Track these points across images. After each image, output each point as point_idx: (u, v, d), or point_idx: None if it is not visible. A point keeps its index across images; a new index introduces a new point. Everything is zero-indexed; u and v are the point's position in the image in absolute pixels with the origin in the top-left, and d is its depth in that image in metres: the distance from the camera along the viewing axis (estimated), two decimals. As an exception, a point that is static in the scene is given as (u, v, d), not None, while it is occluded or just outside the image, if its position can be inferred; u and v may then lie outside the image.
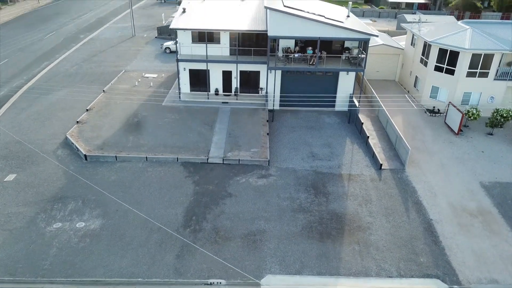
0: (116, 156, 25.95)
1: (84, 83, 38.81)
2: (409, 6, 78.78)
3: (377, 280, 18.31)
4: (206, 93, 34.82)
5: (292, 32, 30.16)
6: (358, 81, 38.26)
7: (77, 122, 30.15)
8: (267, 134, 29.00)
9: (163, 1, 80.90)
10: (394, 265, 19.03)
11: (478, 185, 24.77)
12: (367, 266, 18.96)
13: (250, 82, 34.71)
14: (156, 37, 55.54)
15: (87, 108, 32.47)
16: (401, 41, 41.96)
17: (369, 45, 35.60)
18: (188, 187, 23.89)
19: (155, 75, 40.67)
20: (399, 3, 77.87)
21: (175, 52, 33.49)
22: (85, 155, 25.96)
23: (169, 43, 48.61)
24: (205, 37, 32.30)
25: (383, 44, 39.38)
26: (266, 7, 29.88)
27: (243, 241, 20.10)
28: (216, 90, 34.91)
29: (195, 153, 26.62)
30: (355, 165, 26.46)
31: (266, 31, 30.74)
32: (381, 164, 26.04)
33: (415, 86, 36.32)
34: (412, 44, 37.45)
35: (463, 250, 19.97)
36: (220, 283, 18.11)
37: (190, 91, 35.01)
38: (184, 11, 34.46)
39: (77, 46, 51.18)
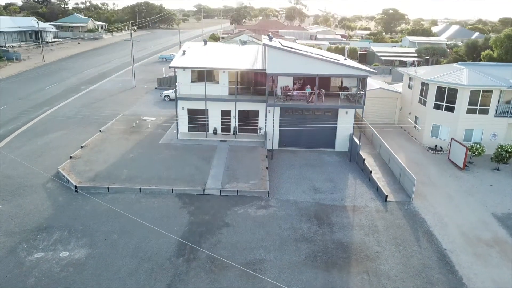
0: (108, 187, 24.73)
1: (81, 126, 38.42)
2: (402, 64, 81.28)
3: (391, 311, 16.40)
4: (205, 133, 34.31)
5: (290, 69, 30.37)
6: (358, 123, 38.00)
7: (71, 157, 29.23)
8: (266, 168, 28.02)
9: (164, 59, 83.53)
10: (409, 295, 17.19)
11: (490, 216, 23.38)
12: (378, 296, 17.11)
13: (249, 121, 34.37)
14: (156, 88, 56.34)
15: (82, 145, 31.72)
16: (398, 88, 42.45)
17: (368, 89, 35.91)
18: (183, 217, 22.43)
19: (153, 118, 40.46)
20: (392, 61, 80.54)
21: (174, 99, 33.47)
22: (75, 187, 24.73)
23: (169, 92, 49.11)
24: (204, 76, 32.47)
25: (380, 88, 39.75)
26: (265, 44, 30.35)
27: (241, 270, 18.33)
28: (215, 130, 34.44)
29: (191, 184, 25.44)
30: (359, 198, 25.20)
31: (265, 69, 30.99)
32: (387, 196, 24.81)
33: (415, 126, 36.01)
34: (409, 86, 37.77)
35: (483, 280, 18.19)
36: (216, 314, 16.15)
37: (188, 130, 34.53)
38: (184, 53, 35.05)
39: (77, 95, 51.65)
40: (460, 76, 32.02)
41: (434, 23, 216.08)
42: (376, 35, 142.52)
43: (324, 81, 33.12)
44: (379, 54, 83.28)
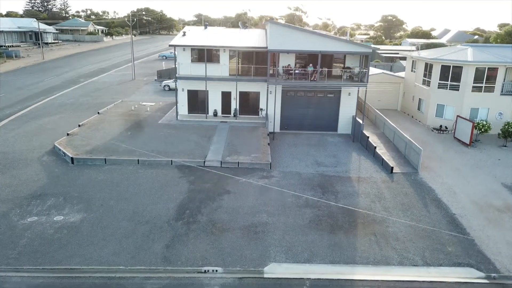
0: (105, 159, 24.01)
1: (79, 110, 37.79)
2: (403, 59, 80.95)
3: (401, 269, 15.57)
4: (205, 115, 33.65)
5: (292, 46, 29.82)
6: (360, 108, 37.38)
7: (68, 134, 28.54)
8: (268, 144, 27.33)
9: (164, 57, 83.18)
10: (419, 254, 16.36)
11: (500, 185, 22.64)
12: (387, 255, 16.28)
13: (249, 103, 33.75)
14: (155, 80, 55.84)
15: (79, 124, 31.05)
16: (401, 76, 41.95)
17: (370, 74, 35.32)
18: (182, 185, 21.68)
19: (152, 103, 39.84)
20: (393, 57, 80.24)
21: (174, 89, 32.94)
22: (71, 158, 24.01)
23: (169, 81, 48.59)
24: (204, 56, 31.90)
25: (383, 72, 39.22)
26: (266, 20, 29.83)
27: (243, 232, 17.54)
28: (215, 112, 33.80)
29: (191, 157, 24.72)
30: (364, 170, 24.47)
31: (266, 47, 30.45)
32: (392, 168, 24.09)
33: (419, 109, 35.39)
34: (413, 70, 37.23)
35: (496, 241, 17.38)
36: (216, 271, 15.31)
37: (188, 112, 33.88)
38: (184, 34, 34.55)
39: (76, 86, 51.11)
40: (464, 54, 31.49)
41: (433, 30, 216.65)
42: (376, 39, 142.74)
43: (326, 61, 32.57)
44: (379, 51, 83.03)
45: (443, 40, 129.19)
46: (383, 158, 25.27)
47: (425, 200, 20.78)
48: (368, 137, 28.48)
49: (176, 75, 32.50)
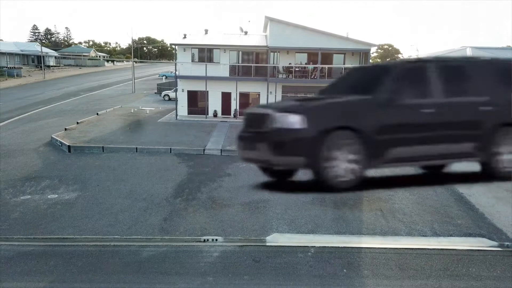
0: (103, 147, 23.59)
1: (78, 114, 37.60)
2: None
3: (410, 239, 14.86)
4: (205, 115, 33.45)
5: (292, 43, 30.00)
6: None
7: (65, 129, 28.20)
8: (269, 137, 26.96)
9: (164, 76, 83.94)
10: (427, 226, 15.67)
11: (507, 170, 22.12)
12: (394, 227, 15.60)
13: (250, 104, 33.61)
14: (155, 93, 56.04)
15: (78, 121, 30.78)
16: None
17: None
18: (182, 169, 21.17)
19: (152, 108, 39.71)
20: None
21: (174, 99, 33.08)
22: (68, 146, 23.58)
23: (168, 91, 48.72)
24: (204, 56, 32.06)
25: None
26: (266, 17, 30.18)
27: (244, 207, 16.91)
28: (215, 112, 33.63)
29: (190, 147, 24.29)
30: (367, 159, 23.99)
31: (267, 46, 30.64)
32: (396, 156, 23.62)
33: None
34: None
35: (507, 215, 16.73)
36: (216, 240, 14.57)
37: (188, 113, 33.69)
38: (185, 36, 34.84)
39: (75, 98, 51.19)
40: (463, 53, 31.66)
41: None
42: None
43: (326, 60, 32.67)
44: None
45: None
46: (386, 149, 24.86)
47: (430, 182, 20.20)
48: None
49: (176, 74, 32.54)
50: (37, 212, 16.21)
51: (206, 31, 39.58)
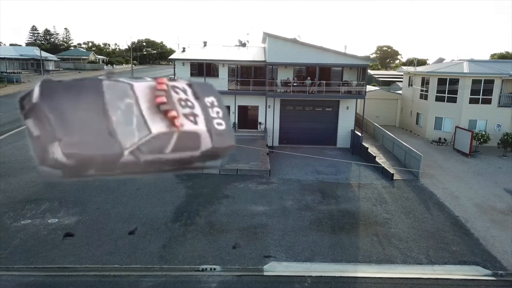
0: (102, 166, 23.72)
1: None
2: (399, 82, 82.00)
3: (405, 267, 15.09)
4: (203, 129, 33.62)
5: (291, 59, 30.19)
6: (359, 123, 37.48)
7: (65, 145, 28.36)
8: (267, 154, 27.17)
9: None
10: (423, 253, 15.91)
11: (502, 190, 22.38)
12: (390, 254, 15.83)
13: (248, 117, 33.80)
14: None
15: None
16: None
17: (368, 90, 35.63)
18: (180, 190, 21.36)
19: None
20: (390, 81, 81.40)
21: None
22: (68, 166, 23.71)
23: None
24: (203, 70, 32.23)
25: (381, 89, 39.56)
26: (265, 33, 30.36)
27: (242, 233, 17.12)
28: (214, 126, 33.77)
29: (190, 165, 24.48)
30: (364, 178, 24.22)
31: (265, 61, 30.83)
32: (393, 174, 23.85)
33: (417, 123, 35.48)
34: (410, 85, 37.60)
35: (501, 241, 16.98)
36: (215, 269, 14.80)
37: (187, 127, 33.87)
38: (183, 50, 35.04)
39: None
40: (460, 67, 31.90)
41: (427, 60, 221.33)
42: (372, 67, 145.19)
43: (324, 75, 32.85)
44: (376, 76, 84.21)
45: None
46: (383, 167, 25.07)
47: (427, 203, 20.45)
48: (367, 147, 28.38)
49: (175, 89, 32.70)
50: (38, 239, 16.39)
51: (205, 43, 39.78)
